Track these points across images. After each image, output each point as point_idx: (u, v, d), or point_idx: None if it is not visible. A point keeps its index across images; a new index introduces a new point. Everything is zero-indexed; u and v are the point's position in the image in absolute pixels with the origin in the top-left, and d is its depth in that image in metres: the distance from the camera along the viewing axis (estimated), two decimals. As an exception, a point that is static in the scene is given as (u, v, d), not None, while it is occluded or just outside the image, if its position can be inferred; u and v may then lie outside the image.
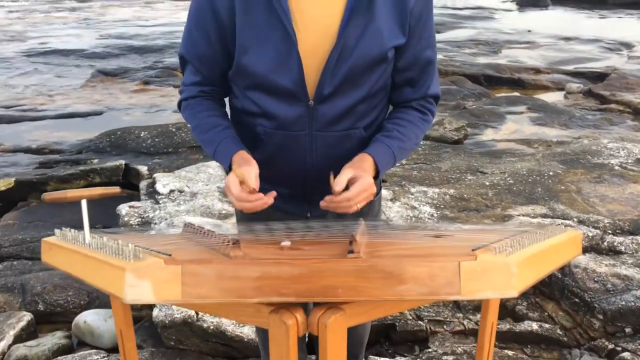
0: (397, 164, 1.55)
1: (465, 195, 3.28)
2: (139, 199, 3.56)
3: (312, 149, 1.33)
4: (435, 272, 0.80)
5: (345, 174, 1.20)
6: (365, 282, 0.80)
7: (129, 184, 4.10)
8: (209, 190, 3.43)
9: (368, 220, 1.20)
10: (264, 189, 1.23)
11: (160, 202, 3.34)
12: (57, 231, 1.13)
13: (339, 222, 1.19)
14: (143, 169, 4.05)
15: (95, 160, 4.26)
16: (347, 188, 1.19)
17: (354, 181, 1.20)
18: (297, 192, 1.40)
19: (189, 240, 1.04)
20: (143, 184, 3.73)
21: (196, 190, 3.43)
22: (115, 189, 1.08)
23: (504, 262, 0.80)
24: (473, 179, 3.54)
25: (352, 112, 1.32)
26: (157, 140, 4.46)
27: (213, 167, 3.79)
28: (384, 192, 3.08)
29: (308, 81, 1.27)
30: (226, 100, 1.48)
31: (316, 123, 1.31)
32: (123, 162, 4.09)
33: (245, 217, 1.47)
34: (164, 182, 3.57)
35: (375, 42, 1.27)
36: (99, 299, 2.86)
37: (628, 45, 9.01)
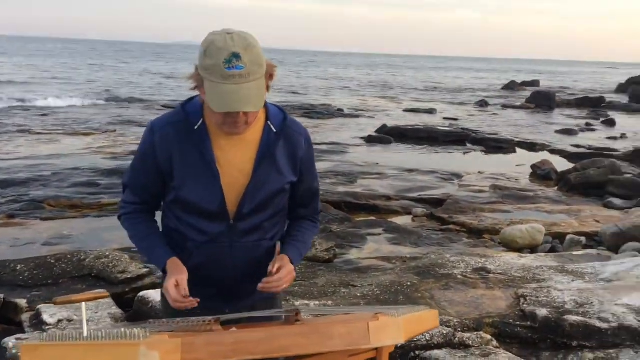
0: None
1: (341, 306, 3.73)
2: (21, 333, 3.49)
3: (232, 256, 1.79)
4: (353, 330, 1.22)
5: (275, 265, 1.70)
6: (308, 340, 1.19)
7: (6, 319, 3.97)
8: (100, 317, 3.51)
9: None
10: (195, 289, 1.68)
11: (49, 332, 3.33)
12: (37, 334, 1.36)
13: (263, 314, 1.58)
14: (22, 302, 3.97)
15: (-33, 296, 4.09)
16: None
17: (281, 268, 1.70)
18: (221, 291, 1.83)
19: (167, 326, 1.35)
20: (25, 317, 3.68)
21: (87, 318, 3.48)
22: (105, 294, 1.37)
23: (396, 321, 1.25)
24: (346, 291, 4.04)
25: (261, 227, 1.82)
26: (35, 272, 4.42)
27: (101, 295, 3.87)
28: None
29: (229, 206, 1.76)
30: (157, 217, 1.91)
31: (235, 236, 1.78)
32: (2, 296, 3.99)
33: (173, 316, 1.82)
34: (51, 312, 3.57)
35: (278, 179, 1.80)
36: None
37: (458, 176, 10.62)
